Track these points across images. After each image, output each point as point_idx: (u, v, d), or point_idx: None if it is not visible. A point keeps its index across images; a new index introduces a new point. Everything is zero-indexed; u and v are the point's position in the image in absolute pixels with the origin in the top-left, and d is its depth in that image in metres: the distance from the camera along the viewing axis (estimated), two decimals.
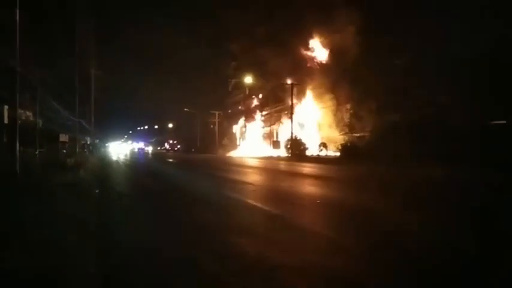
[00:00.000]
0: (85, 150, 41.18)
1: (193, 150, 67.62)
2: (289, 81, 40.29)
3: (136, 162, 31.02)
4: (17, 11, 9.78)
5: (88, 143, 49.02)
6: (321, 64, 40.90)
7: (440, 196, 9.67)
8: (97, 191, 9.90)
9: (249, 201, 8.50)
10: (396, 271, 3.87)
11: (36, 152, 16.98)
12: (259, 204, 8.03)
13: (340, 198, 9.56)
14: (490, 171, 15.90)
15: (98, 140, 65.38)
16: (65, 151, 26.48)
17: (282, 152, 41.85)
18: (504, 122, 21.52)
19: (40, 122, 20.68)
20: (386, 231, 5.62)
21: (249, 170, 20.35)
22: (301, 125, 43.56)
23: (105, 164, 26.26)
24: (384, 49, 28.08)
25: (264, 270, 3.85)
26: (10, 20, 9.80)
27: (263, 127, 54.67)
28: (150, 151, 73.32)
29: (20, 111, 11.22)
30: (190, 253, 4.43)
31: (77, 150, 31.17)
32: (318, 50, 41.91)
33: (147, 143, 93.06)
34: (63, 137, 32.98)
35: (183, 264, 4.08)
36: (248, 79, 48.35)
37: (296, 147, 37.58)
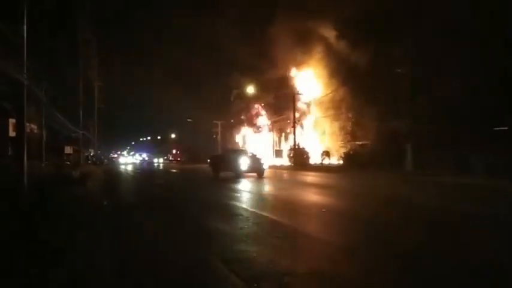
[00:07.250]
0: (89, 161, 41.47)
1: (202, 157, 67.52)
2: (291, 91, 40.53)
3: (140, 174, 31.17)
4: (24, 27, 9.99)
5: (92, 154, 49.30)
6: (322, 73, 41.06)
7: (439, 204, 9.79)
8: (105, 202, 9.99)
9: (255, 210, 8.64)
10: (402, 277, 3.99)
11: (43, 165, 17.16)
12: (265, 213, 8.15)
13: (343, 206, 9.71)
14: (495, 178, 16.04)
15: (100, 152, 65.64)
16: (68, 163, 26.64)
17: (285, 161, 41.94)
18: (506, 128, 21.65)
19: (45, 134, 20.89)
20: (390, 238, 5.75)
21: (253, 180, 20.41)
22: (304, 134, 43.70)
23: (111, 175, 26.38)
24: (385, 57, 28.22)
25: (276, 276, 3.95)
26: (17, 35, 9.99)
27: (266, 136, 54.78)
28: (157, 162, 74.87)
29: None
30: (203, 258, 4.57)
31: (81, 161, 31.37)
32: (320, 59, 41.99)
33: (150, 154, 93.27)
34: (67, 149, 33.44)
35: (197, 267, 4.21)
36: (250, 89, 48.57)
37: (299, 156, 37.61)
